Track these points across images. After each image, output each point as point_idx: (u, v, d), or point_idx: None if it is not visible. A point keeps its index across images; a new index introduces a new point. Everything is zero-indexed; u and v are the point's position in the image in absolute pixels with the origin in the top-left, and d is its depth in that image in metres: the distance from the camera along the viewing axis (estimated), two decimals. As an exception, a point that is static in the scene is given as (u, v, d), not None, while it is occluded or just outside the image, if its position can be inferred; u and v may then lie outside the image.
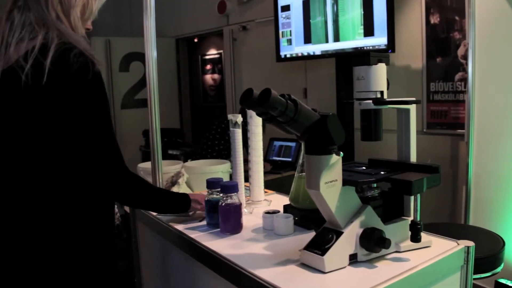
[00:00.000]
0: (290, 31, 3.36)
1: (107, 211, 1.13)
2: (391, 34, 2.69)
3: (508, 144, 2.37)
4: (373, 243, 1.01)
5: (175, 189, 1.78)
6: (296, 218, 1.29)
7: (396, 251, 1.08)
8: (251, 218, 1.42)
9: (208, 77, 6.31)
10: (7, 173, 1.03)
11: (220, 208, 1.29)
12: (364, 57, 1.12)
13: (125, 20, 5.86)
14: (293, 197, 1.33)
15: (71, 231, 1.04)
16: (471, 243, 1.12)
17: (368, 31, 2.80)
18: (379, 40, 2.75)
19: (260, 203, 1.56)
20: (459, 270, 1.11)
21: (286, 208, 1.38)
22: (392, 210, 1.13)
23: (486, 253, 1.76)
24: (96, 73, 0.99)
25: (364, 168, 1.18)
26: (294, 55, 3.38)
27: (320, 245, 1.01)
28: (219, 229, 1.31)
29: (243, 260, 1.07)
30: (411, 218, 1.11)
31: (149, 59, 1.68)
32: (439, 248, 1.10)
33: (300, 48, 3.31)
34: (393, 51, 2.70)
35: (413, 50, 2.89)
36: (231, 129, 1.54)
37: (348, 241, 1.01)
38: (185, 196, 1.31)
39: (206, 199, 1.37)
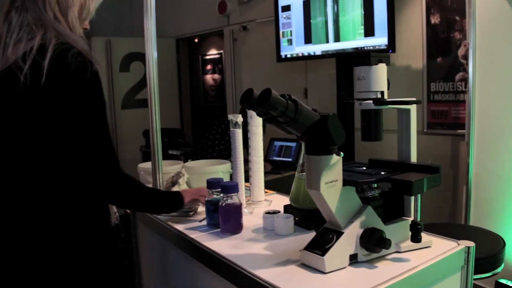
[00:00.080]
0: (291, 31, 3.36)
1: (104, 211, 1.13)
2: (391, 34, 2.69)
3: (508, 144, 2.37)
4: (374, 243, 1.01)
5: (175, 189, 1.78)
6: (297, 218, 1.29)
7: (397, 251, 1.08)
8: (251, 218, 1.42)
9: (209, 77, 6.31)
10: (6, 173, 1.03)
11: (220, 208, 1.29)
12: (365, 57, 1.12)
13: (126, 20, 5.86)
14: (294, 197, 1.33)
15: (70, 231, 1.04)
16: (471, 243, 1.12)
17: (369, 31, 2.80)
18: (380, 40, 2.75)
19: (260, 203, 1.56)
20: (459, 270, 1.11)
21: (287, 208, 1.38)
22: (392, 210, 1.13)
23: (487, 253, 1.76)
24: (94, 72, 0.99)
25: (364, 168, 1.18)
26: (294, 55, 3.38)
27: (320, 245, 1.01)
28: (219, 229, 1.31)
29: (243, 260, 1.07)
30: (412, 218, 1.11)
31: (149, 59, 1.68)
32: (439, 248, 1.10)
33: (301, 48, 3.31)
34: (394, 51, 2.70)
35: (413, 50, 2.89)
36: (231, 129, 1.54)
37: (348, 241, 1.01)
38: (177, 194, 1.30)
39: (206, 199, 1.37)
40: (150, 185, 1.81)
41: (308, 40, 3.23)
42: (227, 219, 1.28)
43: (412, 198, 1.09)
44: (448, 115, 2.78)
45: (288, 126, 0.97)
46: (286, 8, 3.37)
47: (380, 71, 1.13)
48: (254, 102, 0.93)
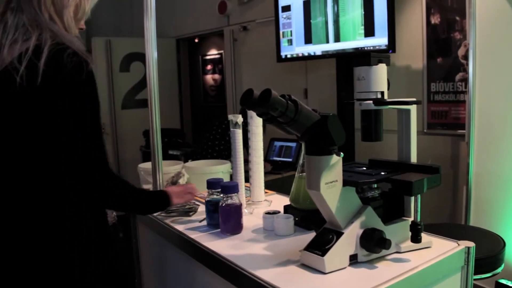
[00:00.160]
0: (291, 31, 3.36)
1: (101, 210, 1.13)
2: (391, 34, 2.69)
3: (508, 144, 2.36)
4: (374, 244, 1.01)
5: (175, 189, 1.78)
6: (297, 219, 1.29)
7: (397, 252, 1.08)
8: (251, 218, 1.42)
9: (209, 78, 6.31)
10: (4, 173, 1.03)
11: (220, 209, 1.29)
12: (365, 57, 1.12)
13: (126, 20, 5.86)
14: (294, 198, 1.33)
15: (70, 230, 1.04)
16: (471, 244, 1.12)
17: (369, 31, 2.80)
18: (380, 40, 2.75)
19: (260, 203, 1.56)
20: (459, 270, 1.11)
21: (287, 209, 1.38)
22: (392, 211, 1.13)
23: (487, 253, 1.76)
24: (89, 72, 1.00)
25: (364, 168, 1.18)
26: (294, 56, 3.38)
27: (320, 246, 1.01)
28: (219, 230, 1.31)
29: (243, 260, 1.07)
30: (412, 218, 1.11)
31: (149, 59, 1.68)
32: (439, 249, 1.10)
33: (301, 49, 3.31)
34: (394, 51, 2.70)
35: (413, 50, 2.89)
36: (231, 129, 1.54)
37: (348, 241, 1.01)
38: (163, 194, 1.28)
39: (206, 199, 1.37)
40: (150, 185, 1.81)
41: (308, 40, 3.23)
42: (227, 219, 1.28)
43: (412, 198, 1.09)
44: (448, 115, 2.78)
45: (288, 127, 0.97)
46: (286, 8, 3.37)
47: (380, 71, 1.13)
48: (254, 103, 0.93)
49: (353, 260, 1.03)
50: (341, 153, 1.00)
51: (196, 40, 6.09)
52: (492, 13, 2.37)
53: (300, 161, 1.32)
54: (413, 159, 1.18)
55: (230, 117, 1.54)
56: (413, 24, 2.88)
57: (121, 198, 1.12)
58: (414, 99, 1.17)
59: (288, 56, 3.43)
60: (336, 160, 0.99)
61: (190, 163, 2.04)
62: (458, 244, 1.12)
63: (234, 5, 4.29)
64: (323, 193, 0.98)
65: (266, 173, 1.66)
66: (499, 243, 1.85)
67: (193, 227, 1.36)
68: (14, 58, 0.98)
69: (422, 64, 2.87)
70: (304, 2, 3.21)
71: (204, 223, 1.39)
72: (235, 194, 1.30)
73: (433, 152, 2.78)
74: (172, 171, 1.90)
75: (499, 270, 1.79)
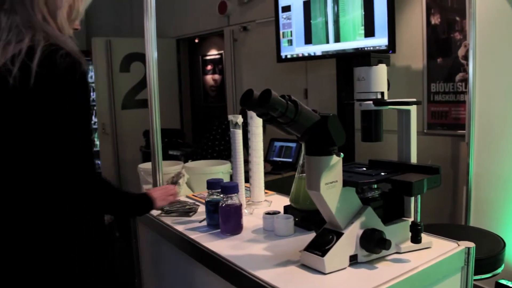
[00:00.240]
0: (291, 31, 3.36)
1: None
2: (391, 34, 2.69)
3: (508, 145, 2.36)
4: (374, 244, 1.01)
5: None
6: (297, 219, 1.29)
7: (397, 252, 1.08)
8: (251, 219, 1.42)
9: (209, 78, 6.31)
10: (1, 174, 1.03)
11: (220, 209, 1.29)
12: (365, 57, 1.12)
13: (126, 20, 5.86)
14: (294, 198, 1.33)
15: (69, 230, 1.04)
16: (471, 244, 1.12)
17: (369, 31, 2.80)
18: (380, 40, 2.75)
19: (260, 204, 1.56)
20: (459, 271, 1.11)
21: (287, 209, 1.38)
22: (392, 211, 1.13)
23: (487, 254, 1.76)
24: (82, 73, 1.00)
25: (364, 169, 1.18)
26: (294, 56, 3.38)
27: (320, 246, 1.01)
28: (219, 230, 1.31)
29: (243, 261, 1.07)
30: (412, 219, 1.11)
31: (149, 59, 1.68)
32: (439, 249, 1.10)
33: (301, 49, 3.31)
34: (394, 51, 2.70)
35: (413, 50, 2.89)
36: (231, 129, 1.54)
37: (348, 242, 1.01)
38: (146, 196, 1.27)
39: (206, 199, 1.37)
40: (150, 186, 1.81)
41: (308, 40, 3.23)
42: (227, 219, 1.28)
43: (412, 198, 1.09)
44: (448, 116, 2.78)
45: (288, 127, 0.97)
46: (286, 8, 3.37)
47: (380, 71, 1.13)
48: (254, 103, 0.93)
49: (353, 260, 1.03)
50: (341, 153, 1.00)
51: (196, 40, 6.09)
52: (492, 13, 2.37)
53: (300, 162, 1.32)
54: (413, 159, 1.18)
55: (230, 117, 1.54)
56: (413, 25, 2.88)
57: (103, 200, 1.11)
58: (414, 100, 1.17)
59: (288, 56, 3.43)
60: (336, 161, 0.99)
61: (190, 163, 2.05)
62: (458, 245, 1.12)
63: (234, 5, 4.29)
64: (323, 193, 0.98)
65: (266, 174, 1.66)
66: (499, 243, 1.85)
67: (193, 228, 1.36)
68: (7, 60, 0.98)
69: (422, 65, 2.87)
70: (304, 2, 3.21)
71: (204, 223, 1.39)
72: (235, 194, 1.30)
73: (433, 153, 2.78)
74: (172, 171, 1.90)
75: (499, 270, 1.79)
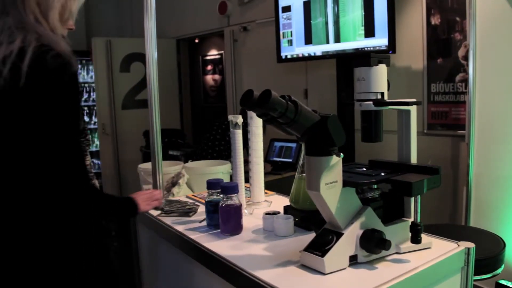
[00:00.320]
0: (291, 32, 3.36)
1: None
2: (392, 35, 2.69)
3: (509, 145, 2.37)
4: (373, 245, 1.01)
5: (175, 189, 1.79)
6: (297, 219, 1.29)
7: (397, 253, 1.08)
8: (251, 219, 1.42)
9: (209, 78, 6.31)
10: None
11: (220, 209, 1.29)
12: (365, 58, 1.12)
13: (126, 20, 5.86)
14: (294, 198, 1.33)
15: (60, 230, 1.04)
16: (471, 245, 1.12)
17: (369, 32, 2.80)
18: (380, 41, 2.75)
19: (260, 204, 1.56)
20: (459, 271, 1.11)
21: (287, 209, 1.37)
22: (392, 211, 1.13)
23: (487, 254, 1.76)
24: (72, 74, 1.00)
25: (364, 169, 1.18)
26: (294, 56, 3.38)
27: (320, 246, 1.01)
28: (219, 230, 1.31)
29: (243, 261, 1.07)
30: (412, 219, 1.11)
31: (149, 59, 1.68)
32: (439, 250, 1.10)
33: (301, 49, 3.31)
34: (394, 52, 2.70)
35: (413, 51, 2.89)
36: (231, 130, 1.54)
37: (348, 242, 1.01)
38: (130, 200, 1.27)
39: (206, 200, 1.37)
40: (150, 186, 1.81)
41: (308, 40, 3.23)
42: (227, 220, 1.28)
43: (412, 199, 1.09)
44: (448, 116, 2.78)
45: (288, 127, 0.97)
46: (287, 8, 3.37)
47: (380, 72, 1.13)
48: (254, 103, 0.93)
49: (353, 260, 1.03)
50: (341, 153, 1.00)
51: (197, 41, 6.10)
52: (492, 13, 2.37)
53: (300, 162, 1.32)
54: (413, 159, 1.18)
55: (230, 117, 1.54)
56: (413, 25, 2.88)
57: (89, 205, 1.10)
58: (414, 100, 1.17)
59: (288, 56, 3.43)
60: (336, 161, 0.99)
61: (190, 164, 2.05)
62: (458, 245, 1.12)
63: (235, 6, 4.29)
64: (323, 193, 0.98)
65: (266, 174, 1.66)
66: (499, 243, 1.85)
67: (193, 228, 1.36)
68: None
69: (422, 65, 2.87)
70: (304, 2, 3.21)
71: (204, 223, 1.39)
72: (235, 194, 1.30)
73: (433, 153, 2.78)
74: (172, 171, 1.90)
75: (499, 271, 1.79)
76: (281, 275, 1.00)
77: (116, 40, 5.04)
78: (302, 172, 1.31)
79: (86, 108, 5.61)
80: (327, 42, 3.08)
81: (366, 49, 2.84)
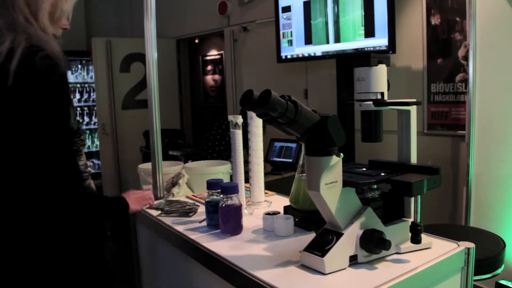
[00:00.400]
0: (291, 32, 3.36)
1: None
2: (392, 35, 2.69)
3: (509, 145, 2.37)
4: (373, 245, 1.01)
5: (175, 190, 1.79)
6: (297, 219, 1.29)
7: (397, 253, 1.08)
8: (251, 219, 1.42)
9: (209, 78, 6.31)
10: None
11: (220, 209, 1.29)
12: (365, 58, 1.12)
13: (126, 21, 5.86)
14: (294, 198, 1.33)
15: (66, 230, 1.04)
16: (471, 245, 1.12)
17: (369, 32, 2.80)
18: (380, 41, 2.75)
19: (260, 204, 1.56)
20: (459, 271, 1.11)
21: (287, 209, 1.37)
22: (392, 212, 1.13)
23: (487, 254, 1.76)
24: (61, 75, 0.99)
25: (364, 169, 1.18)
26: (294, 56, 3.38)
27: (320, 247, 1.01)
28: (219, 230, 1.31)
29: (243, 261, 1.07)
30: (412, 219, 1.11)
31: (149, 59, 1.68)
32: (439, 250, 1.10)
33: (301, 49, 3.31)
34: (394, 52, 2.70)
35: (413, 51, 2.89)
36: (231, 130, 1.54)
37: (348, 242, 1.01)
38: (120, 200, 1.28)
39: (206, 200, 1.37)
40: (150, 186, 1.81)
41: (308, 41, 3.23)
42: (227, 220, 1.28)
43: (412, 199, 1.09)
44: (448, 116, 2.78)
45: (288, 127, 0.97)
46: (287, 9, 3.37)
47: (380, 72, 1.13)
48: (254, 103, 0.93)
49: (353, 261, 1.03)
50: (341, 153, 1.00)
51: (197, 41, 6.10)
52: (492, 13, 2.37)
53: (300, 162, 1.32)
54: (413, 159, 1.18)
55: (230, 117, 1.54)
56: (413, 25, 2.88)
57: (76, 205, 1.08)
58: (414, 100, 1.17)
59: (288, 56, 3.43)
60: (336, 161, 0.99)
61: (190, 164, 2.05)
62: (458, 245, 1.12)
63: (235, 6, 4.29)
64: (323, 194, 0.98)
65: (266, 174, 1.65)
66: (499, 244, 1.85)
67: (193, 228, 1.36)
68: None
69: (422, 65, 2.87)
70: (304, 2, 3.21)
71: (204, 223, 1.39)
72: (235, 194, 1.30)
73: (433, 153, 2.78)
74: (172, 171, 1.90)
75: (499, 271, 1.79)
76: (281, 275, 1.00)
77: (116, 40, 5.04)
78: (302, 172, 1.31)
79: (86, 108, 5.61)
80: (327, 42, 3.08)
81: (366, 49, 2.84)
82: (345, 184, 1.02)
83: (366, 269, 1.02)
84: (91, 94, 5.54)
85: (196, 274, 1.28)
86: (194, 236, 1.29)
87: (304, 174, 1.26)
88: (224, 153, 3.42)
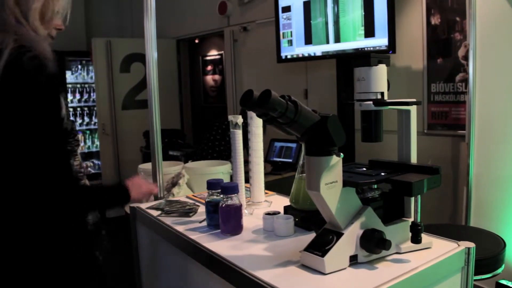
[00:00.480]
0: (291, 32, 3.36)
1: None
2: (391, 35, 2.69)
3: (509, 145, 2.36)
4: (374, 244, 1.01)
5: (175, 190, 1.79)
6: (297, 219, 1.29)
7: (397, 252, 1.08)
8: (251, 219, 1.42)
9: (209, 78, 6.31)
10: None
11: (220, 209, 1.29)
12: (365, 58, 1.12)
13: (126, 21, 5.86)
14: (294, 198, 1.33)
15: (46, 230, 1.04)
16: (471, 244, 1.12)
17: (369, 32, 2.80)
18: (380, 41, 2.75)
19: (260, 204, 1.56)
20: (459, 271, 1.11)
21: (287, 209, 1.37)
22: (392, 211, 1.13)
23: (487, 254, 1.76)
24: (49, 76, 0.99)
25: (364, 169, 1.18)
26: (294, 56, 3.38)
27: (320, 246, 1.01)
28: (219, 230, 1.31)
29: (243, 261, 1.07)
30: (412, 219, 1.11)
31: (149, 60, 1.68)
32: (439, 249, 1.10)
33: (301, 49, 3.31)
34: (394, 52, 2.70)
35: (413, 51, 2.89)
36: (231, 130, 1.54)
37: (348, 242, 1.01)
38: (120, 187, 1.28)
39: (206, 200, 1.37)
40: (150, 186, 1.81)
41: (308, 41, 3.23)
42: (227, 220, 1.28)
43: (412, 199, 1.09)
44: (448, 116, 2.78)
45: (288, 127, 0.97)
46: (287, 9, 3.37)
47: (380, 72, 1.13)
48: (254, 103, 0.93)
49: (353, 260, 1.03)
50: (341, 153, 1.00)
51: (197, 41, 6.10)
52: (492, 13, 2.37)
53: (300, 162, 1.32)
54: (413, 159, 1.18)
55: (230, 117, 1.54)
56: (413, 25, 2.88)
57: (71, 202, 1.09)
58: (414, 100, 1.17)
59: (288, 56, 3.43)
60: (336, 161, 0.99)
61: (190, 164, 2.05)
62: (458, 245, 1.12)
63: (235, 6, 4.30)
64: (323, 193, 0.98)
65: (266, 174, 1.65)
66: (500, 243, 1.85)
67: (193, 228, 1.36)
68: None
69: (422, 65, 2.87)
70: (304, 2, 3.21)
71: (204, 223, 1.39)
72: (235, 194, 1.30)
73: (433, 153, 2.78)
74: (172, 171, 1.90)
75: (499, 270, 1.79)
76: (281, 275, 1.00)
77: (116, 41, 5.05)
78: (302, 172, 1.31)
79: (86, 108, 5.62)
80: (327, 42, 3.09)
81: (366, 49, 2.84)
82: (345, 184, 1.02)
83: (366, 269, 1.02)
84: (91, 94, 5.54)
85: (196, 274, 1.28)
86: (194, 236, 1.28)
87: (304, 174, 1.25)
88: (224, 153, 3.42)
